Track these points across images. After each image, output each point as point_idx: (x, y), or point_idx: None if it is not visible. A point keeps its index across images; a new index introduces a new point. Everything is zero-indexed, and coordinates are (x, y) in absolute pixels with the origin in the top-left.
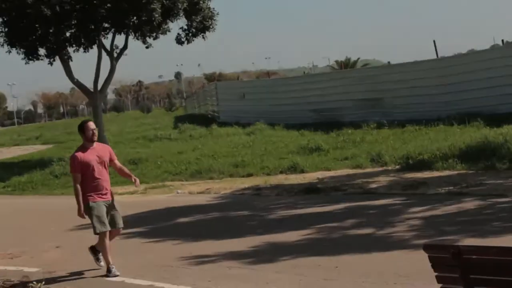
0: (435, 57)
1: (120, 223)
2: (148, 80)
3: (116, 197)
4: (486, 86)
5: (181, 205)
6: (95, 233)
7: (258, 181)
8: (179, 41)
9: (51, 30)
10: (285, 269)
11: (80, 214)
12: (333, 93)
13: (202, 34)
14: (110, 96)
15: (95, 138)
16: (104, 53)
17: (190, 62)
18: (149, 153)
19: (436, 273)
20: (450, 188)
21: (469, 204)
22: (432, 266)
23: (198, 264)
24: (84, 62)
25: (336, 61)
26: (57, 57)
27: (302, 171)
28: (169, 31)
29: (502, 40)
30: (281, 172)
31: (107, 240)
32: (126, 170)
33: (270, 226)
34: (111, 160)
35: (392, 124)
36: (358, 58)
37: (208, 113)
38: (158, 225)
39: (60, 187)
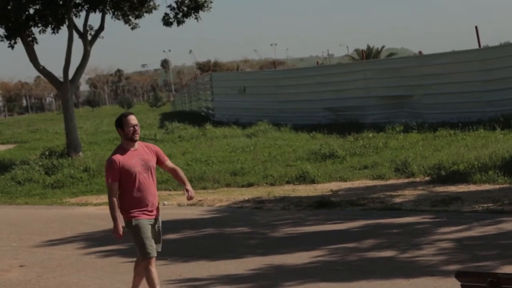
0: (476, 46)
1: (159, 248)
2: (129, 69)
3: (91, 209)
4: None
5: (169, 219)
6: (144, 256)
7: (260, 192)
8: (166, 22)
9: (9, 6)
10: None
11: (116, 233)
12: (352, 88)
13: (194, 13)
14: (84, 87)
15: (137, 136)
16: (76, 35)
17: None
18: None
19: None
20: (489, 205)
21: (511, 224)
22: None
23: None
24: (52, 45)
25: (356, 50)
26: (19, 39)
27: (313, 182)
28: (155, 8)
29: None
30: (287, 182)
31: (153, 268)
32: (181, 173)
33: (274, 245)
34: (160, 162)
35: (422, 127)
36: (383, 47)
37: (201, 110)
38: None
39: (24, 195)
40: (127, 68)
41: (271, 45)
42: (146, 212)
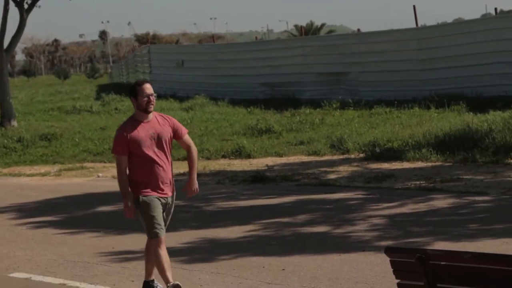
0: (414, 26)
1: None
2: (67, 40)
3: (24, 179)
4: (473, 63)
5: (103, 191)
6: (151, 236)
7: None
8: None
9: None
10: (224, 270)
11: (127, 210)
12: (290, 64)
13: None
14: (19, 56)
15: (152, 107)
16: (12, 3)
17: (118, 20)
18: (65, 128)
19: (397, 280)
20: (421, 182)
21: (443, 202)
22: (394, 272)
23: (121, 261)
24: None
25: (296, 26)
26: None
27: (249, 156)
28: None
29: (495, 9)
30: (223, 157)
31: (162, 251)
32: (194, 155)
33: (208, 219)
34: (177, 137)
35: (358, 104)
36: (323, 24)
37: None
38: (74, 213)
39: None
40: (64, 38)
41: (211, 19)
42: (156, 189)
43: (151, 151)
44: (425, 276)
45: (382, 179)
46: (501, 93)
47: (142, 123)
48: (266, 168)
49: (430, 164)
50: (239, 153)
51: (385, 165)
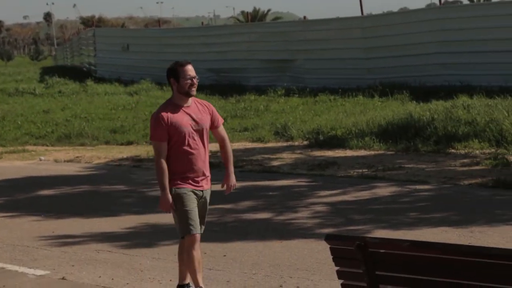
0: (359, 14)
1: (203, 226)
2: (10, 21)
3: None
4: (417, 53)
5: (44, 175)
6: (184, 233)
7: (139, 151)
8: None
9: None
10: (165, 255)
11: (165, 204)
12: (236, 50)
13: None
14: None
15: (194, 91)
16: None
17: (63, 1)
18: (7, 110)
19: (337, 268)
20: (364, 170)
21: (384, 190)
22: (334, 260)
23: (61, 246)
24: None
25: (242, 12)
26: None
27: None
28: None
29: None
30: None
31: (196, 251)
32: (228, 147)
33: (151, 204)
34: (213, 126)
35: (303, 91)
36: (269, 10)
37: (83, 65)
38: (14, 197)
39: None
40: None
41: (157, 3)
42: (192, 181)
43: (190, 139)
44: (364, 264)
45: (325, 167)
46: (444, 83)
47: (182, 108)
48: (210, 154)
49: (372, 152)
50: None
51: (329, 153)
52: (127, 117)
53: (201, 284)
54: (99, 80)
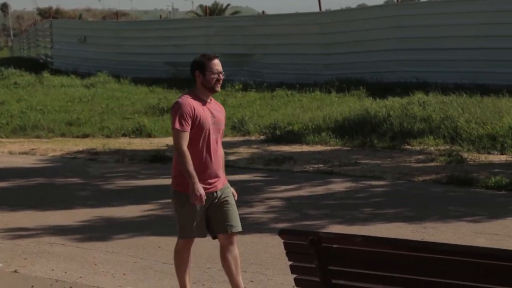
0: (317, 10)
1: (235, 224)
2: None
3: None
4: (374, 49)
5: None
6: (179, 236)
7: (95, 143)
8: None
9: None
10: (119, 249)
11: (198, 195)
12: (194, 44)
13: None
14: None
15: (219, 87)
16: None
17: None
18: None
19: (290, 262)
20: (320, 165)
21: (340, 185)
22: (287, 254)
23: (14, 238)
24: None
25: (201, 6)
26: None
27: (149, 136)
28: None
29: None
30: (123, 135)
31: (186, 254)
32: (223, 155)
33: (106, 198)
34: None
35: (261, 86)
36: (228, 5)
37: (40, 57)
38: None
39: None
40: None
41: None
42: (205, 182)
43: (209, 136)
44: (317, 259)
45: (281, 162)
46: (400, 80)
47: (206, 103)
48: (166, 148)
49: (329, 148)
50: (139, 132)
51: (285, 148)
52: (84, 110)
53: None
54: (56, 72)
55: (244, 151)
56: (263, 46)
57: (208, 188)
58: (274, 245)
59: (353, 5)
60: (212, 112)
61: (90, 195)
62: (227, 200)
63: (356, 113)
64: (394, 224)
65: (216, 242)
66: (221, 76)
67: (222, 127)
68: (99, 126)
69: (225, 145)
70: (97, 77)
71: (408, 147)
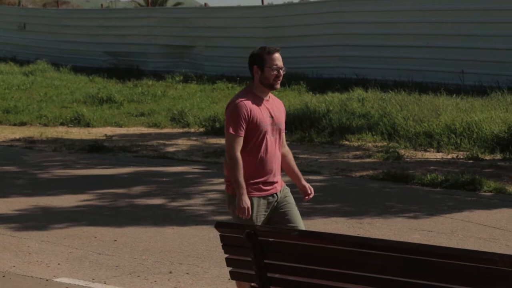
0: (260, 3)
1: (299, 225)
2: None
3: None
4: (315, 44)
5: None
6: None
7: (32, 132)
8: None
9: None
10: (54, 239)
11: (243, 208)
12: (135, 34)
13: None
14: None
15: (279, 85)
16: None
17: None
18: None
19: (226, 255)
20: None
21: None
22: (223, 247)
23: None
24: None
25: None
26: None
27: (88, 125)
28: None
29: None
30: (61, 124)
31: None
32: (291, 155)
33: (42, 187)
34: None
35: (201, 78)
36: None
37: None
38: None
39: None
40: None
41: None
42: (261, 186)
43: (268, 137)
44: (252, 252)
45: (220, 154)
46: (341, 75)
47: (263, 101)
48: (104, 138)
49: None
50: (78, 121)
51: (224, 141)
52: (21, 98)
53: None
54: None
55: (183, 143)
56: (205, 38)
57: (265, 191)
58: (211, 237)
59: (296, 0)
60: (270, 112)
61: (26, 184)
62: (287, 201)
63: (295, 108)
64: (331, 219)
65: (153, 233)
66: (282, 72)
67: (282, 126)
68: (37, 115)
69: (164, 136)
70: (36, 65)
71: (346, 142)
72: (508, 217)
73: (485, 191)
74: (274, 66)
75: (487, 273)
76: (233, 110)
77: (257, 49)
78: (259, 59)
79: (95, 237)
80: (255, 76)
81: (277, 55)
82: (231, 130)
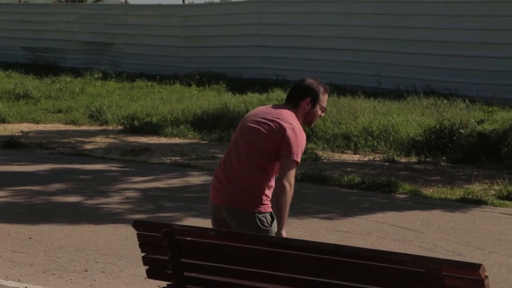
0: (180, 2)
1: None
2: None
3: None
4: (235, 45)
5: None
6: None
7: None
8: None
9: None
10: None
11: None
12: (53, 30)
13: None
14: None
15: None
16: None
17: None
18: None
19: (143, 254)
20: (177, 158)
21: (196, 179)
22: (140, 246)
23: None
24: None
25: None
26: None
27: (4, 121)
28: None
29: None
30: None
31: None
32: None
33: None
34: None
35: (120, 76)
36: None
37: None
38: None
39: None
40: None
41: None
42: None
43: None
44: (170, 251)
45: (138, 153)
46: (260, 76)
47: None
48: (21, 134)
49: (187, 140)
50: None
51: (143, 139)
52: None
53: None
54: None
55: (100, 141)
56: (124, 36)
57: None
58: (127, 236)
59: (217, 0)
60: None
61: None
62: None
63: (215, 107)
64: None
65: (69, 231)
66: (323, 114)
67: None
68: None
69: (82, 133)
70: None
71: None
72: (422, 219)
73: (400, 193)
74: (323, 107)
75: (401, 273)
76: (301, 138)
77: (313, 80)
78: (316, 94)
79: (9, 235)
80: (303, 107)
81: (327, 96)
82: (297, 158)
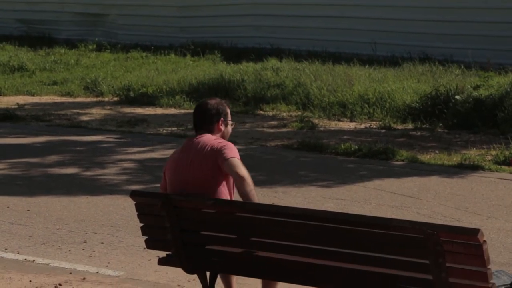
0: None
1: None
2: None
3: None
4: (230, 13)
5: None
6: None
7: None
8: None
9: None
10: None
11: None
12: (47, 2)
13: None
14: None
15: None
16: None
17: None
18: None
19: (142, 224)
20: (173, 129)
21: None
22: (138, 216)
23: None
24: None
25: None
26: None
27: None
28: None
29: None
30: None
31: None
32: None
33: None
34: None
35: (115, 47)
36: None
37: None
38: None
39: None
40: None
41: None
42: None
43: None
44: (168, 220)
45: (134, 124)
46: (255, 45)
47: None
48: (16, 106)
49: (182, 111)
50: None
51: (139, 110)
52: None
53: None
54: None
55: (96, 112)
56: (118, 7)
57: None
58: (125, 207)
59: None
60: None
61: None
62: None
63: (210, 77)
64: None
65: (67, 203)
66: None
67: None
68: None
69: (78, 105)
70: None
71: (261, 112)
72: (419, 185)
73: (397, 160)
74: (230, 120)
75: (399, 239)
76: (234, 148)
77: (218, 100)
78: (226, 113)
79: (8, 207)
80: (217, 128)
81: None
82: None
